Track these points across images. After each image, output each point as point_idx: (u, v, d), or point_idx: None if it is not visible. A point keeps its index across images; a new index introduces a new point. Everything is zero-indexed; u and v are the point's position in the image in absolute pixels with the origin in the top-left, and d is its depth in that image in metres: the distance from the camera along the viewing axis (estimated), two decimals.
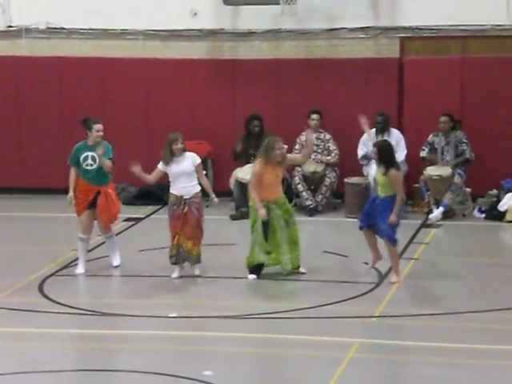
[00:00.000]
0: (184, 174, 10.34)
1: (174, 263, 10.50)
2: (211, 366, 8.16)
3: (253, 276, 10.46)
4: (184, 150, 10.44)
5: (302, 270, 10.59)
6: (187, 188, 10.34)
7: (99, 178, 10.69)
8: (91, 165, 10.66)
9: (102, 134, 10.85)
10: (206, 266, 10.95)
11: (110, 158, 10.75)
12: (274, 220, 10.38)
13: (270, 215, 10.37)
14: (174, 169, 10.38)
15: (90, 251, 11.49)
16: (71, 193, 10.69)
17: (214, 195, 10.66)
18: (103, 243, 12.08)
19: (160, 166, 10.49)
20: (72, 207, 10.78)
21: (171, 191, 10.47)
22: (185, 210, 10.31)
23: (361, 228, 10.54)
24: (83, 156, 10.70)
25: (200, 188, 10.51)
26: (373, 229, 10.43)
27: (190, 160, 10.39)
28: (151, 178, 10.54)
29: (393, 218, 10.13)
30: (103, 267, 11.08)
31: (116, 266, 10.92)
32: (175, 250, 10.43)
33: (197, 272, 10.59)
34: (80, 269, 10.78)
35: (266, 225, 10.36)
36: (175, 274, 10.52)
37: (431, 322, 9.02)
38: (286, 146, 10.63)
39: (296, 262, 10.55)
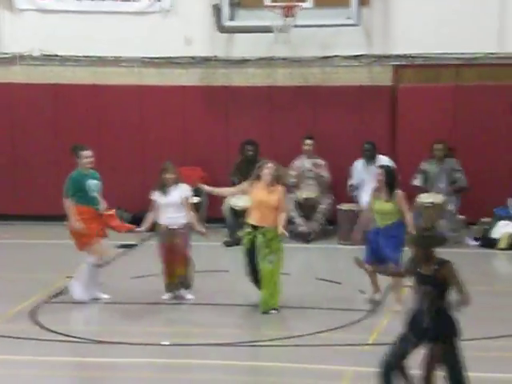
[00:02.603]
0: (173, 204, 10.35)
1: (168, 291, 10.60)
2: None
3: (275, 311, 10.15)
4: (176, 181, 10.43)
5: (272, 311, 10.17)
6: (174, 218, 10.35)
7: (99, 204, 10.71)
8: (95, 192, 10.65)
9: (91, 159, 10.76)
10: (199, 293, 10.93)
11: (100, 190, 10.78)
12: (257, 248, 10.05)
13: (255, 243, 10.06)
14: (163, 199, 10.41)
15: None
16: (81, 224, 10.41)
17: (201, 228, 10.53)
18: None
19: (153, 196, 10.53)
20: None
21: (160, 222, 10.45)
22: (172, 241, 10.34)
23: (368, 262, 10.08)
24: (88, 184, 10.59)
25: (188, 219, 10.46)
26: (378, 263, 10.08)
27: (179, 192, 10.39)
28: (154, 213, 10.50)
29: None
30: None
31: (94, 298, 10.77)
32: (167, 280, 10.49)
33: (190, 296, 10.62)
34: (103, 295, 10.79)
35: (250, 251, 10.10)
36: (166, 296, 10.61)
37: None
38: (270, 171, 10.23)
39: (270, 301, 10.14)
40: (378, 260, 10.13)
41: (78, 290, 10.62)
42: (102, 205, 10.68)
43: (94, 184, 10.66)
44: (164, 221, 10.42)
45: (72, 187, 10.61)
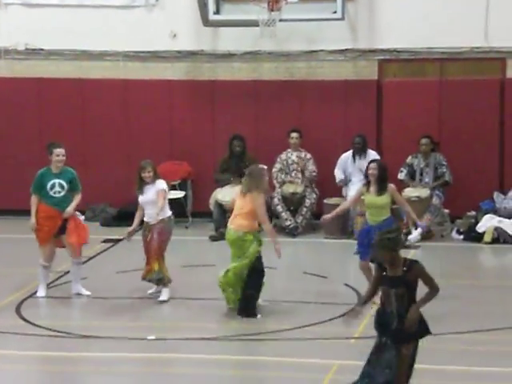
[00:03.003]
0: (150, 201, 10.35)
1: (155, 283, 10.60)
2: None
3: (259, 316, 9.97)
4: (155, 178, 10.39)
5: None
6: (151, 214, 10.32)
7: (65, 204, 10.50)
8: (59, 192, 10.48)
9: (62, 158, 10.56)
10: (185, 287, 10.91)
11: (79, 188, 10.62)
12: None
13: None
14: (141, 197, 10.44)
15: (67, 273, 11.43)
16: (33, 220, 10.45)
17: (158, 219, 10.37)
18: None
19: (137, 194, 10.53)
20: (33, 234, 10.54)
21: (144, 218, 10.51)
22: (149, 236, 10.32)
23: (372, 261, 9.82)
24: (50, 184, 10.45)
25: (167, 214, 10.40)
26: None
27: (155, 187, 10.38)
28: (139, 211, 10.46)
29: (424, 222, 10.17)
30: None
31: (76, 294, 10.66)
32: (147, 274, 10.46)
33: (164, 297, 10.43)
34: (41, 292, 10.64)
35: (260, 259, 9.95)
36: (152, 290, 10.59)
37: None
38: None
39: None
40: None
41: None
42: (70, 207, 10.47)
43: (57, 183, 10.47)
44: (145, 217, 10.44)
45: (34, 184, 10.57)
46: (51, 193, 10.46)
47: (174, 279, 11.33)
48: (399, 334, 6.96)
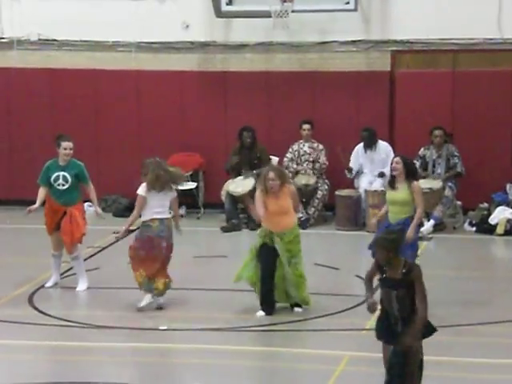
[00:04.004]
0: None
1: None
2: (202, 378, 8.12)
3: (261, 313, 9.69)
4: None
5: (296, 309, 9.86)
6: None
7: (67, 197, 10.43)
8: (63, 185, 10.41)
9: (69, 152, 10.45)
10: (196, 278, 10.92)
11: (88, 181, 10.52)
12: (279, 253, 9.65)
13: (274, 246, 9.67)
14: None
15: None
16: (36, 204, 10.39)
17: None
18: (91, 256, 12.07)
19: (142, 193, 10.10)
20: (26, 215, 10.46)
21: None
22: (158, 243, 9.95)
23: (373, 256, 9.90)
24: (54, 176, 10.41)
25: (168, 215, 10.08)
26: None
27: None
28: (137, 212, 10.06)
29: (410, 233, 9.32)
30: (92, 279, 11.04)
31: (79, 291, 10.55)
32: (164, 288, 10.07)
33: (143, 303, 9.97)
34: (51, 282, 10.66)
35: (267, 251, 9.63)
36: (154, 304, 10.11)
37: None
38: (277, 183, 9.63)
39: (302, 302, 9.85)
40: None
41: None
42: (96, 207, 10.49)
43: (61, 176, 10.38)
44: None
45: (41, 175, 10.55)
46: (55, 185, 10.43)
47: (185, 270, 11.38)
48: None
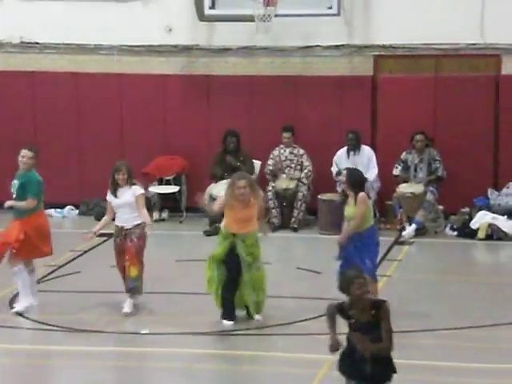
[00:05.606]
0: (126, 205, 9.89)
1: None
2: (184, 383, 8.11)
3: (229, 323, 9.57)
4: (129, 182, 9.90)
5: (257, 317, 9.68)
6: (128, 219, 9.89)
7: (15, 209, 9.92)
8: (13, 193, 9.95)
9: (26, 160, 9.83)
10: (179, 282, 10.90)
11: (30, 195, 9.77)
12: (239, 257, 9.58)
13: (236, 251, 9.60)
14: (116, 200, 9.96)
15: (61, 267, 11.41)
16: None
17: (151, 226, 10.01)
18: (73, 259, 12.02)
19: (107, 196, 10.09)
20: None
21: (115, 223, 10.03)
22: (126, 242, 9.84)
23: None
24: (12, 183, 10.02)
25: (142, 220, 9.93)
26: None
27: (132, 191, 9.93)
28: (108, 215, 10.03)
29: (341, 239, 9.30)
30: (73, 283, 11.00)
31: (15, 312, 9.86)
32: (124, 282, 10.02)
33: (126, 309, 9.85)
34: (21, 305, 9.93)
35: (232, 258, 9.54)
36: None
37: (404, 340, 9.00)
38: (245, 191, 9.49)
39: (257, 308, 9.71)
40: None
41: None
42: (10, 201, 9.85)
43: (13, 184, 9.92)
44: (119, 221, 9.97)
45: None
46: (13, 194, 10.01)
47: (168, 274, 11.36)
48: (374, 377, 6.40)
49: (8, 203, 9.94)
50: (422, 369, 8.07)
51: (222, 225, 9.77)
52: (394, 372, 6.51)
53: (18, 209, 9.87)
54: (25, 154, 9.92)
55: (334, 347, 6.52)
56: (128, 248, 9.84)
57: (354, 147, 13.85)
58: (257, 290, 9.65)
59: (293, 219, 13.88)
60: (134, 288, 9.90)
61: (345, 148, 14.01)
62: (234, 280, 9.58)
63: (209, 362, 8.63)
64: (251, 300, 9.65)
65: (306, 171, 14.09)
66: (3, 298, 10.40)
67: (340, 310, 6.52)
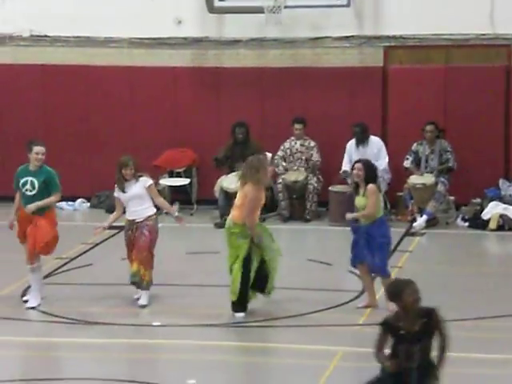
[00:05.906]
0: (135, 197, 9.83)
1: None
2: (196, 374, 8.12)
3: (241, 314, 9.55)
4: (136, 176, 9.86)
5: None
6: (138, 211, 9.84)
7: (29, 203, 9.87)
8: (30, 190, 9.87)
9: (41, 157, 9.83)
10: (189, 274, 10.92)
11: (56, 190, 9.85)
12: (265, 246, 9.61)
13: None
14: (125, 194, 9.88)
15: (72, 260, 11.45)
16: (11, 217, 10.02)
17: (176, 213, 10.18)
18: (85, 252, 12.05)
19: (115, 193, 10.04)
20: (13, 230, 10.10)
21: (126, 216, 9.97)
22: (136, 234, 9.81)
23: (354, 266, 9.81)
24: (23, 181, 9.89)
25: (154, 211, 9.95)
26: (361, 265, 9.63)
27: (141, 183, 9.89)
28: (117, 212, 9.98)
29: (348, 215, 9.59)
30: (85, 275, 11.03)
31: (29, 307, 9.82)
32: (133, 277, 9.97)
33: (142, 302, 9.84)
34: (32, 302, 9.87)
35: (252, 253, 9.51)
36: (137, 295, 10.03)
37: None
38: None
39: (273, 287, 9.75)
40: (361, 262, 9.66)
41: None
42: (33, 204, 9.72)
43: (29, 181, 9.85)
44: (130, 215, 9.91)
45: (14, 179, 10.07)
46: (24, 190, 9.92)
47: (178, 266, 11.38)
48: None
49: (31, 207, 9.75)
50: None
51: (235, 222, 9.59)
52: (437, 380, 6.23)
53: (45, 206, 9.81)
54: (40, 150, 9.88)
55: (394, 366, 6.14)
56: (136, 242, 9.80)
57: (361, 139, 13.82)
58: (274, 269, 9.65)
59: (306, 210, 13.88)
60: (134, 283, 9.88)
61: (353, 140, 13.99)
62: (250, 271, 9.51)
63: (221, 353, 8.65)
64: (271, 277, 9.63)
65: (312, 162, 14.05)
66: (13, 291, 10.43)
67: (388, 326, 6.12)
